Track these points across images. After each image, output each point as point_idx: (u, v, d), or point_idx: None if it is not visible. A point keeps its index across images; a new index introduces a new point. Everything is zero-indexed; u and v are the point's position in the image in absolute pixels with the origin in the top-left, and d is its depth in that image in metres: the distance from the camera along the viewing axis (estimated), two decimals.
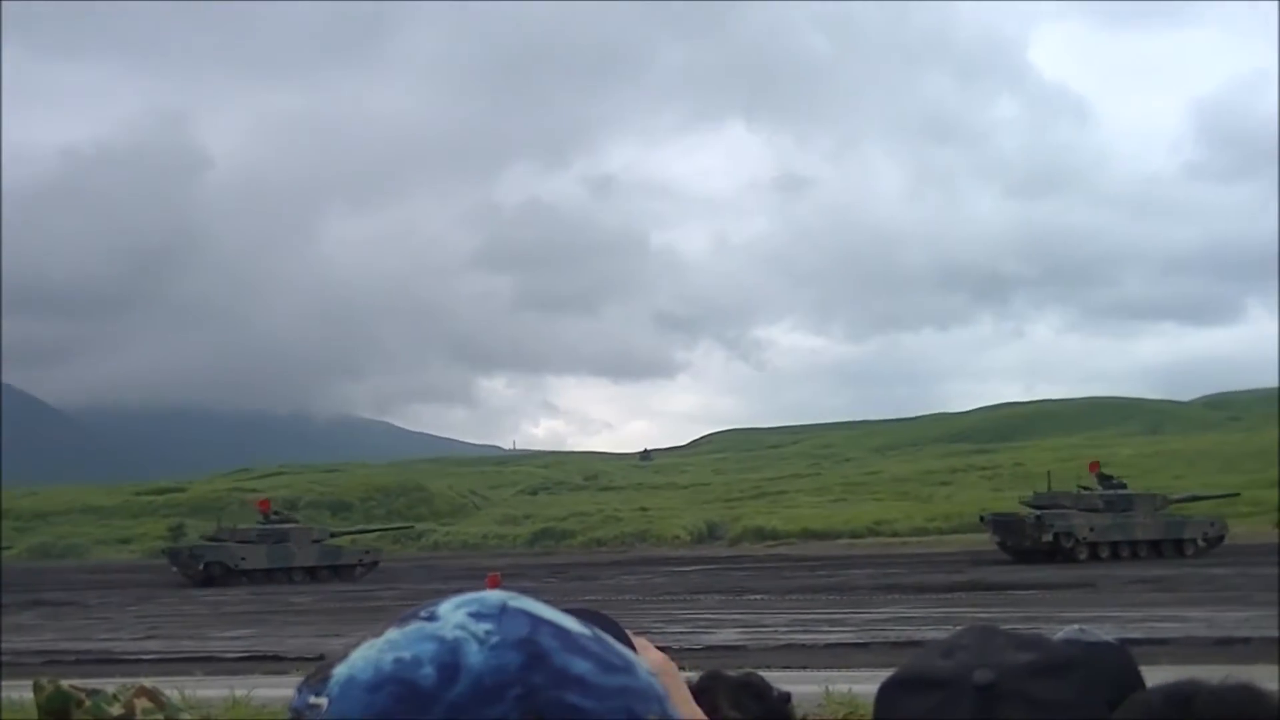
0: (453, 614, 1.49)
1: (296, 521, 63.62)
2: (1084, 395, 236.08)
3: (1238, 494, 63.34)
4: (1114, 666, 2.86)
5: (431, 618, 1.49)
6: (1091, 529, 53.43)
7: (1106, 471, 58.33)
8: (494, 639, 1.47)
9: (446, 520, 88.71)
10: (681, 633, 28.12)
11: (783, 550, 70.79)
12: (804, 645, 25.03)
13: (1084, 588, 37.16)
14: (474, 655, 1.46)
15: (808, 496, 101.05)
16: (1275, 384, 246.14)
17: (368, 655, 1.47)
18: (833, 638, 26.10)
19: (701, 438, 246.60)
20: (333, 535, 62.68)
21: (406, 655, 1.46)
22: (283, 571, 57.50)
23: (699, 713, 2.96)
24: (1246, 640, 22.84)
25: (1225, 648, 22.09)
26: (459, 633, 1.47)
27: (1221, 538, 55.71)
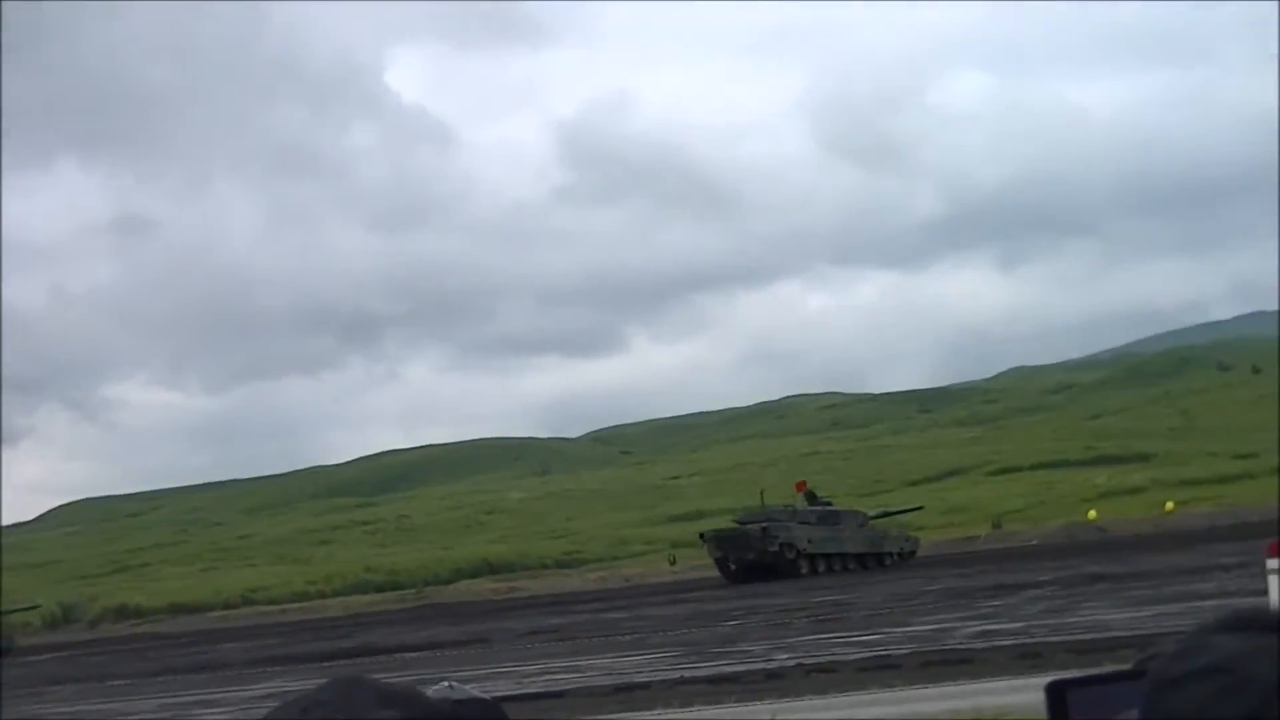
0: None
1: None
2: (470, 438, 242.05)
3: (921, 507, 70.61)
4: None
5: None
6: (810, 541, 58.84)
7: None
8: None
9: None
10: None
11: (149, 628, 68.68)
12: None
13: (478, 644, 37.79)
14: None
15: (174, 567, 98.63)
16: (660, 415, 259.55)
17: None
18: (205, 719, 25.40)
19: (51, 510, 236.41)
20: None
21: None
22: None
23: None
24: (646, 685, 23.76)
25: (624, 694, 22.88)
26: None
27: (914, 552, 62.89)
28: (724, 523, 68.18)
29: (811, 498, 62.91)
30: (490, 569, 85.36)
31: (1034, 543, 71.06)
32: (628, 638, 34.38)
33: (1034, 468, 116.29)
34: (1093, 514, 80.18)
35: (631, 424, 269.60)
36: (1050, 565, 47.66)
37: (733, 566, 59.10)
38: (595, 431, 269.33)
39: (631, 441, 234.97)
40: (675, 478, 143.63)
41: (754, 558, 58.02)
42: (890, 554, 61.94)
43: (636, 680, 24.51)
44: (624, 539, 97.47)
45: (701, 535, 63.25)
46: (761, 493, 64.57)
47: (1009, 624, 27.42)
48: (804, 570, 57.78)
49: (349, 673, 2.00)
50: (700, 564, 77.21)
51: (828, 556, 59.28)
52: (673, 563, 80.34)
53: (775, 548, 57.68)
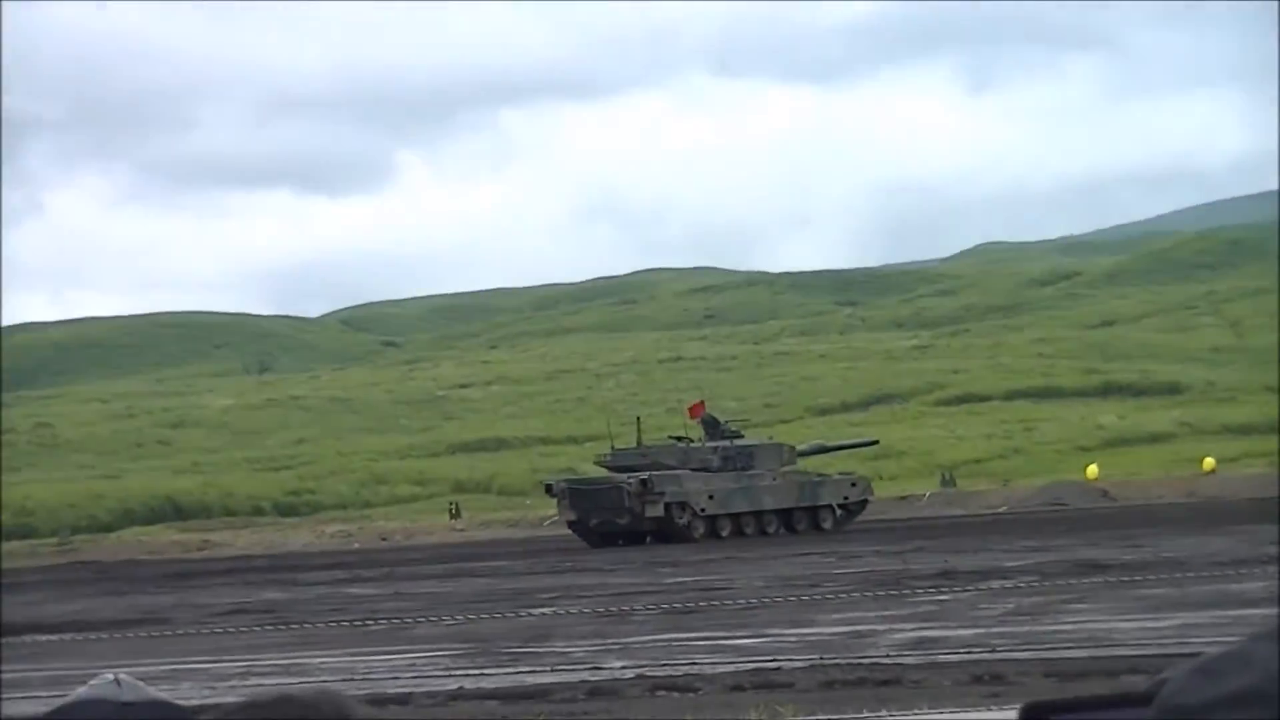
0: None
1: None
2: (148, 311, 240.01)
3: (876, 441, 72.41)
4: None
5: None
6: (711, 496, 59.10)
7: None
8: None
9: None
10: None
11: None
12: None
13: (154, 625, 37.60)
14: None
15: None
16: (442, 291, 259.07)
17: None
18: None
19: None
20: None
21: None
22: None
23: None
24: (405, 698, 23.76)
25: (372, 708, 22.83)
26: None
27: (865, 502, 63.58)
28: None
29: (713, 425, 62.41)
30: (175, 512, 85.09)
31: (1002, 509, 72.01)
32: (381, 626, 34.41)
33: (1008, 397, 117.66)
34: (1093, 470, 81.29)
35: (398, 302, 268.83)
36: (1025, 545, 48.39)
37: (595, 533, 58.79)
38: (343, 311, 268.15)
39: (398, 329, 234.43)
40: (463, 386, 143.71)
41: (628, 523, 58.55)
42: (830, 507, 62.17)
43: (390, 691, 24.52)
44: (381, 475, 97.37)
45: (548, 488, 62.89)
46: (638, 420, 64.09)
47: (958, 629, 27.79)
48: (699, 533, 58.44)
49: None
50: (494, 519, 77.36)
51: (736, 517, 59.66)
52: (455, 514, 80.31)
53: (659, 510, 58.15)
